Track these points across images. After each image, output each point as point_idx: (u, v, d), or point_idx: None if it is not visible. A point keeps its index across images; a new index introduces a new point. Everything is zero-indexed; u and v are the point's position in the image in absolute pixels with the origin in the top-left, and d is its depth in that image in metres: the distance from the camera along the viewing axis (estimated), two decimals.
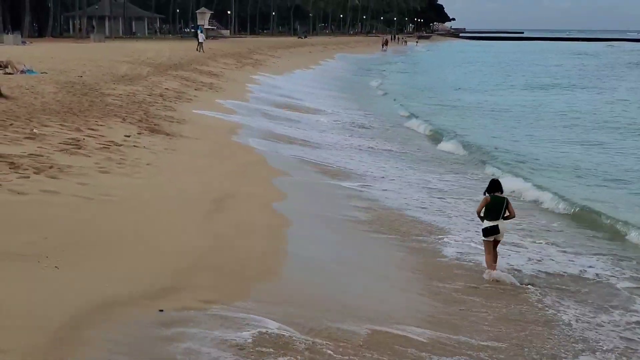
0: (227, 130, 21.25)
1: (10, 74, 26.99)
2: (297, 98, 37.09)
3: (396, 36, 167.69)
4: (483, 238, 11.10)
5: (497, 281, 10.65)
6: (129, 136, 16.73)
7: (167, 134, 18.26)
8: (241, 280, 8.54)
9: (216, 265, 8.84)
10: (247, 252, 9.76)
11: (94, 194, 10.92)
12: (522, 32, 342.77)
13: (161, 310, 7.00)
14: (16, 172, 11.27)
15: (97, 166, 13.04)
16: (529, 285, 10.65)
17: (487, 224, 10.99)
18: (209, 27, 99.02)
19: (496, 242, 11.09)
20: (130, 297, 7.20)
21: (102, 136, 16.06)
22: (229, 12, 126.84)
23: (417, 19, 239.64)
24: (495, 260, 11.01)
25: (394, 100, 40.72)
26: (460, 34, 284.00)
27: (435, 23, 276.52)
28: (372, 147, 23.73)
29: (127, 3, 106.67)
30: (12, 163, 11.84)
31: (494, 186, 11.19)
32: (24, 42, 57.37)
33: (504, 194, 11.32)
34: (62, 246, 8.27)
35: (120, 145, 15.46)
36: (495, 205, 10.97)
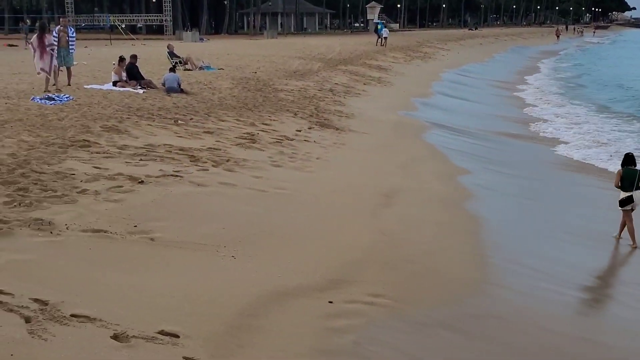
0: (395, 125, 21.25)
1: (189, 70, 28.41)
2: (473, 89, 36.43)
3: (571, 26, 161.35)
4: (620, 208, 11.80)
5: None
6: (300, 131, 17.16)
7: (337, 129, 18.54)
8: (409, 277, 8.54)
9: (385, 260, 8.87)
10: (416, 249, 9.70)
11: (268, 187, 11.29)
12: None
13: (330, 302, 7.14)
14: (196, 165, 11.89)
15: (270, 160, 13.48)
16: None
17: (622, 194, 11.80)
18: (379, 21, 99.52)
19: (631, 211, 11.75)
20: (301, 288, 7.38)
21: (275, 130, 16.58)
22: (398, 6, 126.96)
23: (595, 9, 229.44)
24: (634, 231, 11.65)
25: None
26: None
27: (614, 12, 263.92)
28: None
29: None
30: (192, 156, 12.50)
31: (627, 159, 12.06)
32: (201, 39, 60.03)
33: None
34: (238, 237, 8.61)
35: (292, 139, 15.89)
36: (629, 177, 11.76)
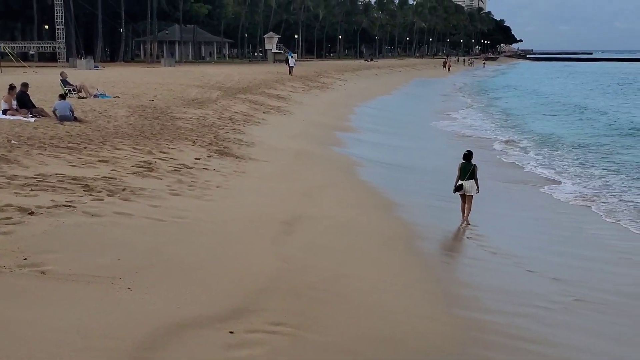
0: (296, 153, 21.25)
1: (83, 97, 27.78)
2: (386, 121, 36.82)
3: (461, 58, 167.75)
4: (455, 193, 15.01)
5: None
6: (199, 159, 16.93)
7: (237, 157, 18.40)
8: (311, 304, 8.44)
9: (286, 288, 8.76)
10: (318, 276, 9.61)
11: (166, 216, 11.03)
12: (591, 53, 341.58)
13: (231, 332, 6.98)
14: (90, 195, 11.49)
15: (168, 188, 13.20)
16: None
17: (458, 183, 14.86)
18: (277, 51, 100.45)
19: (468, 197, 14.79)
20: (201, 318, 7.21)
21: (173, 159, 16.29)
22: (296, 36, 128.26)
23: (484, 41, 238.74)
24: (466, 212, 14.77)
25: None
26: (527, 55, 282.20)
27: (502, 45, 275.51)
28: None
29: (196, 28, 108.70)
30: (86, 185, 12.10)
31: (465, 156, 15.06)
32: (96, 67, 59.12)
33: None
34: (135, 268, 8.35)
35: (191, 167, 15.65)
36: (464, 169, 14.94)
